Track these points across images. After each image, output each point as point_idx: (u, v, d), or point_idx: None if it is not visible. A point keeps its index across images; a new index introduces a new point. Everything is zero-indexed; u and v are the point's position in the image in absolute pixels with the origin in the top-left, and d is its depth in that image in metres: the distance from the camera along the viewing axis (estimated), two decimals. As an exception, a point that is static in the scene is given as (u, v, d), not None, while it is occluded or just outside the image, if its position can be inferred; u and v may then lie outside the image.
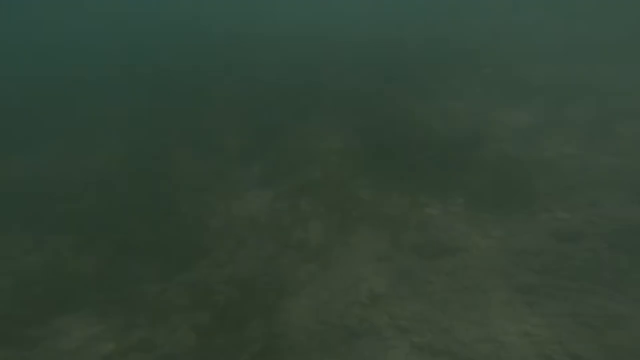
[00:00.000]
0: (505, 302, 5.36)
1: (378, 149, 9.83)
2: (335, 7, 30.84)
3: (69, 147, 11.77)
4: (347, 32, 22.58)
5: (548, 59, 14.85)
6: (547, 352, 4.60)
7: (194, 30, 25.89)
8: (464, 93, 13.16)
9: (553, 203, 7.22)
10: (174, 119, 13.14)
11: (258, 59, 19.61)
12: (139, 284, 6.43)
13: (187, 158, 10.67)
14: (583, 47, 15.41)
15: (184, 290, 6.29)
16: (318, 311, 5.58)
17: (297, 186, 8.68)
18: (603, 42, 15.58)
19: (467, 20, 22.49)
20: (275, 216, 7.95)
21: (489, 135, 10.04)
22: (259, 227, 7.65)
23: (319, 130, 11.37)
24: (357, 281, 6.09)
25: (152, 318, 5.63)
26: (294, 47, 21.32)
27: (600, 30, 17.38)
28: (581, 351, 4.54)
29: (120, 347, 5.03)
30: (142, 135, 12.30)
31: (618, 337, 4.67)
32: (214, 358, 4.70)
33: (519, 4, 24.24)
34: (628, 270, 5.65)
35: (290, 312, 5.61)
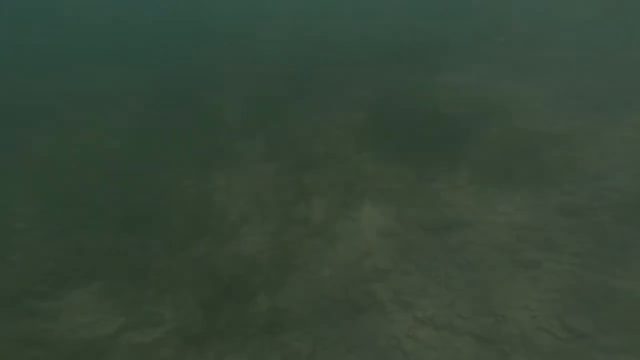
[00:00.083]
0: (508, 277, 5.39)
1: (382, 123, 9.54)
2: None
3: (69, 121, 11.55)
4: (352, 6, 21.35)
5: (562, 33, 14.06)
6: (545, 326, 4.68)
7: (194, 3, 24.58)
8: (472, 67, 12.56)
9: (561, 177, 7.07)
10: (174, 94, 12.76)
11: (260, 34, 18.76)
12: (144, 260, 6.50)
13: (188, 133, 10.46)
14: (599, 19, 14.51)
15: (189, 265, 6.37)
16: (322, 286, 5.66)
17: (300, 161, 8.53)
18: (620, 14, 14.64)
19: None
20: (279, 191, 7.88)
21: (497, 109, 9.68)
22: (262, 202, 7.61)
23: (322, 105, 11.01)
24: (361, 256, 6.12)
25: (159, 293, 5.74)
26: (297, 21, 20.26)
27: (618, 2, 16.31)
28: (578, 325, 4.61)
29: (131, 321, 5.17)
30: (141, 111, 12.02)
31: (616, 312, 4.72)
32: (221, 332, 4.83)
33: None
34: (633, 245, 5.61)
35: (294, 287, 5.69)
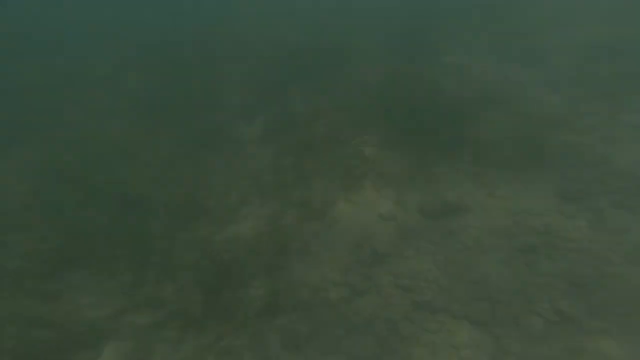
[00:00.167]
0: (504, 262, 5.43)
1: (384, 106, 9.31)
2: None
3: (69, 102, 11.23)
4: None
5: (565, 20, 13.51)
6: (537, 309, 4.77)
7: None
8: (476, 51, 12.17)
9: (562, 161, 7.01)
10: (173, 75, 12.33)
11: (260, 17, 17.93)
12: (143, 241, 6.49)
13: (187, 115, 10.21)
14: (605, 9, 13.91)
15: (189, 247, 6.37)
16: (321, 269, 5.71)
17: (300, 143, 8.39)
18: (626, 4, 14.03)
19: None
20: (278, 174, 7.79)
21: (501, 93, 9.46)
22: (261, 184, 7.54)
23: (323, 87, 10.70)
24: (360, 240, 6.14)
25: (159, 275, 5.78)
26: (300, 4, 19.39)
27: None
28: (567, 308, 4.70)
29: (132, 302, 5.22)
30: (141, 92, 11.67)
31: (605, 296, 4.81)
32: (220, 314, 4.90)
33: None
34: (629, 230, 5.64)
35: (293, 270, 5.73)
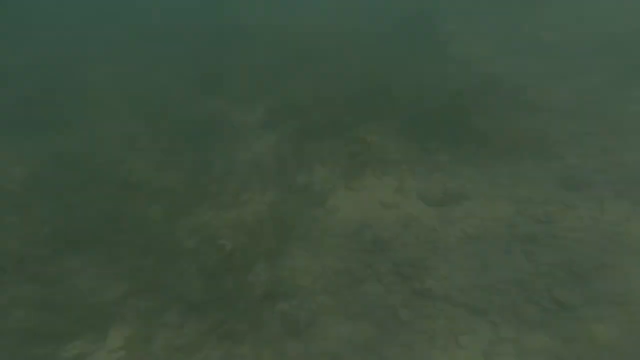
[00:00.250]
0: (505, 251, 5.44)
1: (386, 94, 9.13)
2: None
3: (69, 88, 10.99)
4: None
5: (578, 11, 13.07)
6: (535, 298, 4.79)
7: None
8: (483, 40, 11.83)
9: (566, 150, 6.93)
10: (173, 60, 12.02)
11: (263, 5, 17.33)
12: (143, 226, 6.48)
13: (186, 99, 10.02)
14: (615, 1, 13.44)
15: (189, 233, 6.37)
16: (322, 256, 5.72)
17: (301, 130, 8.26)
18: None
19: None
20: (279, 160, 7.71)
21: (506, 83, 9.24)
22: (262, 170, 7.47)
23: (324, 73, 10.46)
24: (361, 227, 6.13)
25: (159, 260, 5.79)
26: None
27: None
28: (565, 298, 4.73)
29: (133, 288, 5.24)
30: (140, 77, 11.40)
31: (603, 286, 4.82)
32: (222, 301, 4.94)
33: None
34: (629, 220, 5.63)
35: (294, 256, 5.74)
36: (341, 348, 4.39)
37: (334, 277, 5.35)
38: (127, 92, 10.27)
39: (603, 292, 4.72)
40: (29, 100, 9.67)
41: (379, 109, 8.58)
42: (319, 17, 14.12)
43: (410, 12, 13.67)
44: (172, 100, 9.75)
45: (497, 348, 4.19)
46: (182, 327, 4.60)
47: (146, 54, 12.14)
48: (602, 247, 5.28)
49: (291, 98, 9.31)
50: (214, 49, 12.31)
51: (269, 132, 8.42)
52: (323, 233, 6.10)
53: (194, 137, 8.44)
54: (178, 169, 7.57)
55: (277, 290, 5.08)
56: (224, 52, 12.06)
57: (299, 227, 6.21)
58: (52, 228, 6.46)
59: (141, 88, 10.44)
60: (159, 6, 16.64)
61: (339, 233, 6.05)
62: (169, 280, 5.36)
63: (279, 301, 4.95)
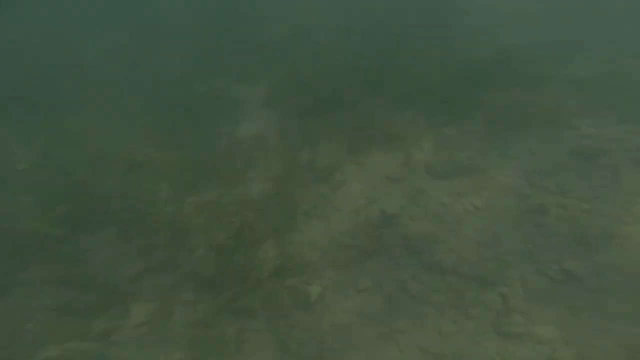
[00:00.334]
0: (514, 223, 5.32)
1: (392, 68, 8.62)
2: None
3: (73, 69, 10.63)
4: None
5: None
6: (544, 269, 4.73)
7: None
8: (492, 12, 10.94)
9: (580, 120, 6.57)
10: (173, 38, 11.44)
11: None
12: (153, 204, 6.44)
13: (187, 78, 9.62)
14: None
15: (198, 210, 6.33)
16: (330, 231, 5.67)
17: (305, 106, 7.93)
18: None
19: None
20: (284, 136, 7.48)
21: (518, 54, 8.62)
22: (267, 147, 7.28)
23: (327, 49, 9.87)
24: (368, 202, 6.02)
25: (171, 238, 5.80)
26: None
27: None
28: (574, 268, 4.65)
29: (147, 266, 5.30)
30: (142, 56, 10.92)
31: (612, 256, 4.72)
32: (233, 277, 4.97)
33: None
34: (644, 190, 5.43)
35: (302, 232, 5.71)
36: (351, 321, 4.44)
37: (342, 251, 5.34)
38: (127, 70, 9.92)
39: (612, 263, 4.63)
40: (28, 78, 9.41)
41: (385, 84, 8.18)
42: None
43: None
44: (172, 79, 9.41)
45: (506, 319, 4.19)
46: (197, 303, 4.68)
47: (145, 32, 11.60)
48: (614, 217, 5.12)
49: (294, 75, 8.91)
50: (213, 26, 11.70)
51: (272, 109, 8.14)
52: (330, 208, 6.02)
53: (196, 115, 8.20)
54: (182, 147, 7.43)
55: (286, 266, 5.10)
56: (224, 29, 11.45)
57: (306, 202, 6.13)
58: (65, 208, 6.47)
59: (141, 66, 10.07)
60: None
61: (345, 208, 5.97)
62: (181, 258, 5.40)
63: (288, 276, 4.97)
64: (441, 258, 4.96)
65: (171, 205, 6.41)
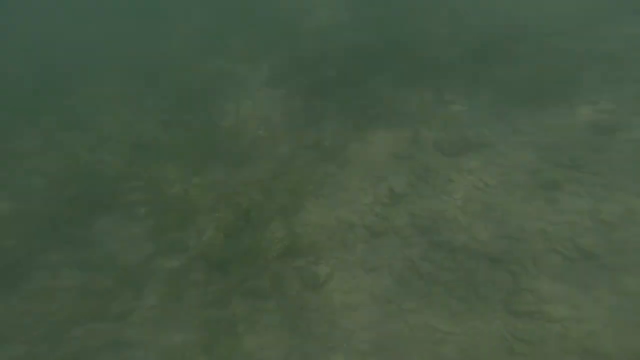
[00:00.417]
0: (526, 199, 5.07)
1: (397, 44, 8.03)
2: None
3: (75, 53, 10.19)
4: None
5: None
6: (558, 248, 4.53)
7: None
8: None
9: (599, 94, 6.10)
10: (170, 18, 10.80)
11: None
12: (159, 185, 6.30)
13: (190, 59, 9.16)
14: None
15: (205, 191, 6.18)
16: (337, 211, 5.49)
17: (309, 85, 7.52)
18: None
19: None
20: (288, 116, 7.15)
21: (533, 28, 7.92)
22: (272, 127, 6.98)
23: (329, 25, 9.22)
24: (376, 180, 5.79)
25: (179, 219, 5.69)
26: None
27: None
28: (590, 247, 4.44)
29: (158, 248, 5.22)
30: (141, 37, 10.40)
31: (629, 233, 4.49)
32: (242, 258, 4.87)
33: None
34: (664, 163, 5.09)
35: (309, 212, 5.54)
36: (360, 300, 4.36)
37: (350, 231, 5.19)
38: (126, 52, 9.49)
39: (629, 240, 4.41)
40: (30, 63, 9.07)
41: (391, 61, 7.67)
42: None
43: None
44: (173, 60, 8.98)
45: (517, 298, 4.06)
46: (207, 284, 4.62)
47: (143, 12, 11.00)
48: (632, 192, 4.84)
49: (297, 52, 8.41)
50: (213, 4, 11.02)
51: (276, 89, 7.76)
52: (337, 187, 5.81)
53: (199, 96, 7.87)
54: (186, 128, 7.17)
55: (294, 247, 4.97)
56: (224, 8, 10.78)
57: (312, 182, 5.92)
58: (74, 190, 6.36)
59: (140, 48, 9.62)
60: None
61: (353, 187, 5.76)
62: (189, 240, 5.32)
63: (297, 257, 4.86)
64: (451, 236, 4.78)
65: (178, 186, 6.26)
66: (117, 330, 4.46)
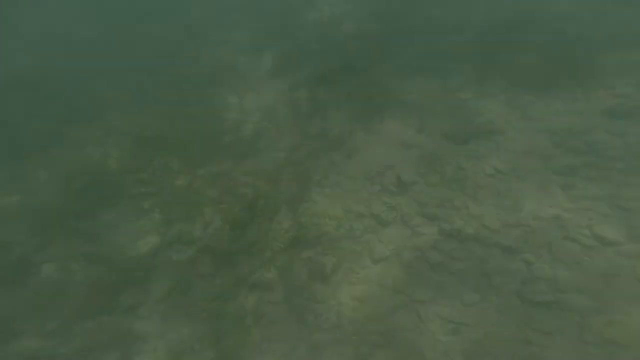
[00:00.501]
0: (539, 185, 4.77)
1: (404, 32, 7.62)
2: None
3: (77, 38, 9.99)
4: None
5: None
6: (574, 235, 4.25)
7: None
8: None
9: (615, 79, 5.67)
10: (169, 10, 10.49)
11: None
12: (165, 177, 6.12)
13: (192, 52, 8.89)
14: None
15: (211, 182, 6.00)
16: (344, 200, 5.26)
17: (313, 75, 7.20)
18: None
19: None
20: (293, 106, 6.87)
21: (544, 13, 7.42)
22: (276, 118, 6.73)
23: (333, 14, 8.82)
24: (383, 169, 5.51)
25: (186, 211, 5.53)
26: None
27: None
28: (608, 233, 4.15)
29: (165, 240, 5.07)
30: (139, 25, 10.14)
31: (653, 218, 4.20)
32: (249, 249, 4.69)
33: None
34: (685, 146, 4.74)
35: (316, 202, 5.32)
36: (369, 291, 4.17)
37: (357, 220, 4.96)
38: (127, 45, 9.26)
39: (651, 225, 4.12)
40: (30, 56, 8.91)
41: (396, 49, 7.30)
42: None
43: None
44: (174, 52, 8.73)
45: (532, 287, 3.82)
46: (214, 277, 4.47)
47: (142, 5, 10.71)
48: (651, 176, 4.52)
49: (300, 43, 8.09)
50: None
51: (279, 79, 7.48)
52: (343, 177, 5.57)
53: (202, 88, 7.63)
54: (190, 120, 6.96)
55: (301, 237, 4.77)
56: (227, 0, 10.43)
57: (318, 172, 5.68)
58: (80, 183, 6.24)
59: (141, 41, 9.38)
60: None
61: (359, 176, 5.51)
62: (196, 232, 5.16)
63: (304, 248, 4.66)
64: (462, 225, 4.53)
65: (183, 178, 6.08)
66: (126, 324, 4.36)
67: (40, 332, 4.25)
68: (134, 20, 10.07)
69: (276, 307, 4.03)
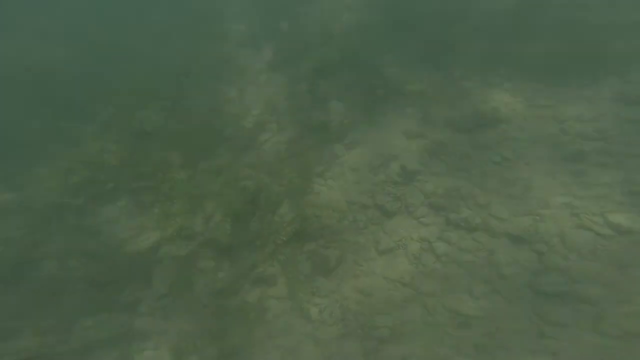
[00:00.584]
0: (549, 173, 4.52)
1: (407, 23, 7.25)
2: None
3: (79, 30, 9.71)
4: None
5: None
6: (587, 223, 4.00)
7: None
8: None
9: (628, 66, 5.33)
10: (172, 3, 10.14)
11: None
12: (164, 171, 5.87)
13: (191, 45, 8.59)
14: None
15: (212, 176, 5.77)
16: (347, 192, 5.03)
17: (313, 67, 6.87)
18: None
19: None
20: (294, 99, 6.59)
21: (551, 0, 7.05)
22: (277, 111, 6.46)
23: (334, 5, 8.46)
24: (386, 159, 5.26)
25: (186, 206, 5.32)
26: None
27: None
28: (624, 221, 3.90)
29: (166, 235, 4.85)
30: (138, 20, 9.82)
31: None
32: (251, 243, 4.48)
33: None
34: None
35: (318, 194, 5.09)
36: (375, 284, 3.97)
37: (361, 212, 4.74)
38: (124, 37, 8.97)
39: (667, 212, 3.88)
40: (28, 53, 8.64)
41: (397, 40, 6.96)
42: None
43: None
44: (172, 45, 8.43)
45: (545, 279, 3.61)
46: (217, 272, 4.28)
47: (142, 1, 10.38)
48: (664, 162, 4.26)
49: (300, 35, 7.75)
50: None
51: (279, 72, 7.18)
52: (346, 168, 5.33)
53: (201, 81, 7.35)
54: (190, 114, 6.71)
55: (304, 230, 4.55)
56: None
57: (320, 164, 5.44)
58: (79, 178, 6.04)
59: (138, 33, 9.08)
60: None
61: (362, 167, 5.26)
62: (197, 226, 4.96)
63: (307, 241, 4.45)
64: (469, 215, 4.30)
65: (184, 172, 5.86)
66: (127, 321, 4.19)
67: (40, 330, 4.08)
68: (133, 13, 9.75)
69: (279, 302, 3.84)
